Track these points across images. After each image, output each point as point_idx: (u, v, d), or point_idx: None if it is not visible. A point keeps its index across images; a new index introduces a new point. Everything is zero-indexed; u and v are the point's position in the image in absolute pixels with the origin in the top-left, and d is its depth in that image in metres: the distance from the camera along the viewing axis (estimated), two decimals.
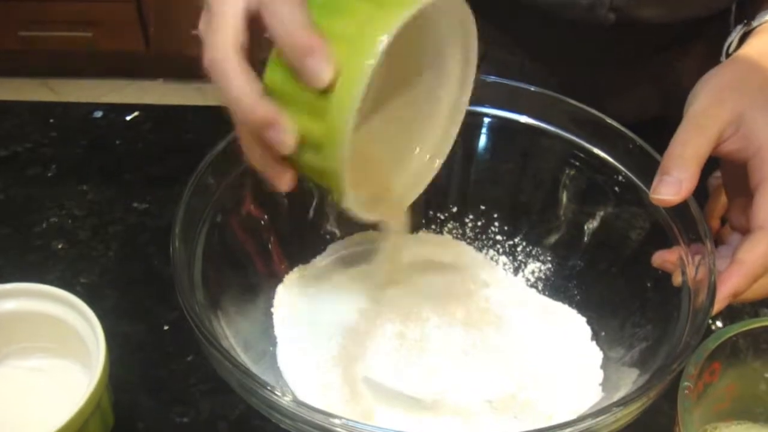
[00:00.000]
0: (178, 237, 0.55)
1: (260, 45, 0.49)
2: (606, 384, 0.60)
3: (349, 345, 0.60)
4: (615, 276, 0.66)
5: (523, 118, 0.69)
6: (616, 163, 0.65)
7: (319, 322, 0.62)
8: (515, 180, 0.72)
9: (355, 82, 0.45)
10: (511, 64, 0.87)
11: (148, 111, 0.92)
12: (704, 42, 0.87)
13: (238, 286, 0.63)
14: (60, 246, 0.75)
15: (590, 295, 0.67)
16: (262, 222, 0.66)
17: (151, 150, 0.87)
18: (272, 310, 0.65)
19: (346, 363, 0.59)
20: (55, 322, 0.60)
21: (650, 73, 0.89)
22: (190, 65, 0.48)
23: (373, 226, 0.71)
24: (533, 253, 0.71)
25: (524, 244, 0.72)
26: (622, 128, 0.65)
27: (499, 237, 0.72)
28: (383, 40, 0.45)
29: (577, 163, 0.68)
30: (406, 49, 0.53)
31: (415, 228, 0.73)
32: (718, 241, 0.62)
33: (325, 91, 0.45)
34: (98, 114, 0.92)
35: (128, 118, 0.91)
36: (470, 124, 0.70)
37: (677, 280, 0.58)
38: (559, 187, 0.70)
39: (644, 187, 0.63)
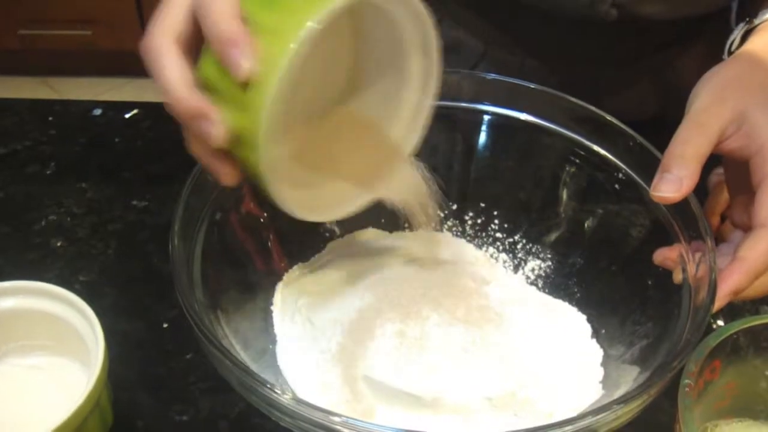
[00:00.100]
0: (177, 235, 0.55)
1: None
2: (606, 382, 0.60)
3: (348, 343, 0.60)
4: (615, 273, 0.66)
5: (523, 116, 0.69)
6: (617, 161, 0.65)
7: (318, 321, 0.62)
8: (515, 177, 0.72)
9: (273, 75, 0.44)
10: (511, 64, 0.87)
11: (147, 109, 0.92)
12: (705, 41, 0.87)
13: (237, 285, 0.63)
14: (59, 244, 0.75)
15: (590, 293, 0.67)
16: (262, 220, 0.66)
17: (150, 148, 0.87)
18: (272, 308, 0.65)
19: (346, 361, 0.59)
20: (54, 320, 0.59)
21: (650, 71, 0.89)
22: None
23: (373, 224, 0.71)
24: (533, 250, 0.71)
25: (524, 241, 0.72)
26: (623, 125, 0.65)
27: (499, 234, 0.72)
28: (307, 27, 0.44)
29: (578, 161, 0.67)
30: (364, 48, 0.52)
31: (414, 225, 0.73)
32: (718, 238, 0.62)
33: (247, 84, 0.45)
34: (97, 112, 0.91)
35: (127, 115, 0.91)
36: (470, 122, 0.70)
37: (678, 277, 0.58)
38: (560, 184, 0.70)
39: (645, 185, 0.62)
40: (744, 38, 0.66)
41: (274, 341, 0.62)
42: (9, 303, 0.60)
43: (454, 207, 0.73)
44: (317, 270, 0.67)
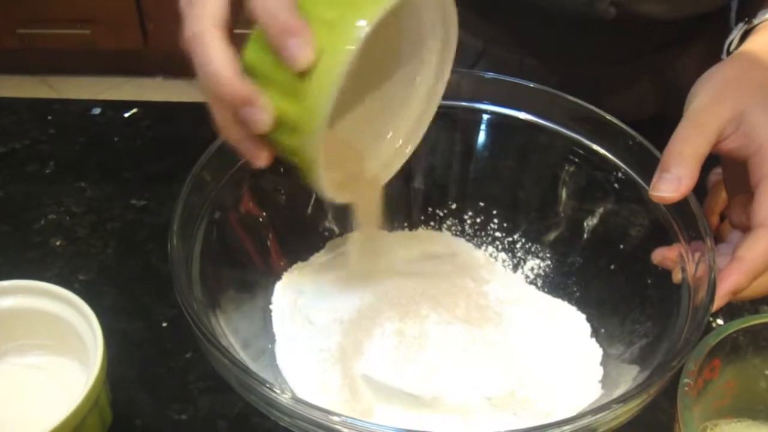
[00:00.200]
0: (176, 234, 0.55)
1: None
2: (605, 381, 0.60)
3: (348, 342, 0.60)
4: (615, 273, 0.66)
5: (522, 115, 0.69)
6: (616, 160, 0.65)
7: (317, 320, 0.62)
8: (514, 177, 0.72)
9: (334, 67, 0.45)
10: (510, 63, 0.87)
11: (147, 108, 0.92)
12: (704, 41, 0.87)
13: (236, 284, 0.63)
14: (58, 243, 0.75)
15: (590, 292, 0.67)
16: (261, 219, 0.66)
17: (150, 147, 0.87)
18: (271, 307, 0.64)
19: (345, 360, 0.59)
20: (53, 320, 0.59)
21: (650, 71, 0.89)
22: (189, 62, 0.48)
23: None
24: (532, 249, 0.71)
25: (523, 240, 0.72)
26: (622, 125, 0.65)
27: (498, 234, 0.72)
28: (364, 27, 0.45)
29: (577, 160, 0.67)
30: (386, 34, 0.53)
31: (413, 225, 0.73)
32: (717, 237, 0.62)
33: (304, 74, 0.45)
34: (96, 111, 0.91)
35: (126, 115, 0.91)
36: (469, 121, 0.70)
37: (677, 277, 0.58)
38: (559, 183, 0.70)
39: (644, 184, 0.62)
40: (743, 38, 0.66)
41: (273, 340, 0.62)
42: (8, 302, 0.60)
43: (454, 206, 0.73)
44: (316, 269, 0.67)
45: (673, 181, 0.54)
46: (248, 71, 0.48)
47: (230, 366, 0.49)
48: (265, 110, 0.47)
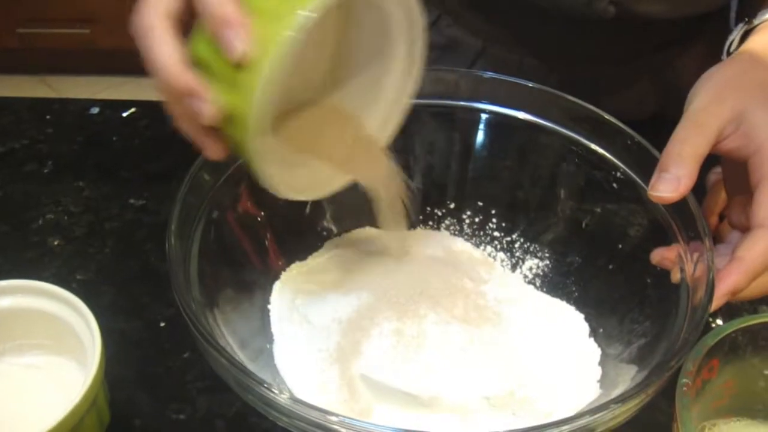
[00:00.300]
0: (174, 234, 0.55)
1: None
2: (604, 381, 0.60)
3: (346, 342, 0.60)
4: (613, 273, 0.66)
5: (521, 114, 0.69)
6: (615, 160, 0.65)
7: (316, 320, 0.62)
8: (513, 176, 0.72)
9: (270, 58, 0.45)
10: (510, 62, 0.87)
11: (145, 107, 0.92)
12: (704, 41, 0.87)
13: (234, 283, 0.63)
14: (56, 243, 0.75)
15: (588, 292, 0.67)
16: (259, 218, 0.66)
17: (148, 146, 0.87)
18: (269, 307, 0.64)
19: (343, 360, 0.59)
20: (51, 319, 0.59)
21: (650, 71, 0.89)
22: (137, 54, 0.49)
23: (371, 223, 0.71)
24: (531, 249, 0.71)
25: (522, 240, 0.71)
26: (621, 124, 0.65)
27: (496, 233, 0.72)
28: (303, 15, 0.44)
29: (576, 160, 0.67)
30: (346, 29, 0.53)
31: (412, 224, 0.73)
32: (716, 237, 0.62)
33: (242, 66, 0.45)
34: (95, 110, 0.91)
35: (125, 114, 0.91)
36: (468, 120, 0.70)
37: (676, 277, 0.58)
38: (557, 183, 0.70)
39: (643, 184, 0.62)
40: (743, 38, 0.66)
41: (271, 340, 0.62)
42: (6, 302, 0.60)
43: (452, 206, 0.73)
44: (314, 269, 0.67)
45: (671, 181, 0.54)
46: (194, 63, 0.48)
47: (228, 366, 0.49)
48: (208, 102, 0.47)
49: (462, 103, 0.69)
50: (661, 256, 0.60)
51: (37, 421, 0.51)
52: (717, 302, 0.53)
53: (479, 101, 0.69)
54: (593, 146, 0.66)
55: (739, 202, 0.59)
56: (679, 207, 0.58)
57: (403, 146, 0.70)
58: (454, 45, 0.88)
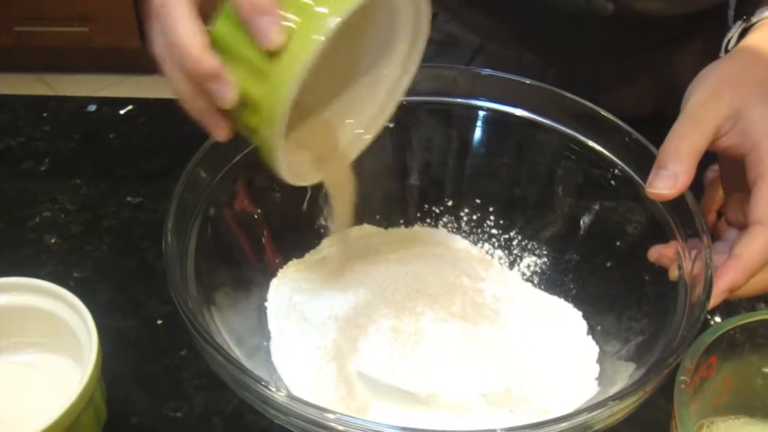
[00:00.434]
0: (171, 231, 0.55)
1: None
2: (602, 378, 0.60)
3: (343, 339, 0.60)
4: (611, 270, 0.66)
5: (519, 111, 0.69)
6: (613, 157, 0.65)
7: (313, 317, 0.62)
8: (511, 173, 0.72)
9: (303, 53, 0.45)
10: (508, 59, 0.87)
11: (142, 105, 0.91)
12: (703, 38, 0.87)
13: (231, 281, 0.62)
14: (53, 240, 0.75)
15: (586, 289, 0.67)
16: (256, 216, 0.66)
17: (145, 144, 0.87)
18: (266, 304, 0.64)
19: (341, 358, 0.59)
20: (48, 317, 0.59)
21: (649, 68, 0.89)
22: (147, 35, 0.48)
23: (368, 221, 0.71)
24: (529, 247, 0.71)
25: (520, 238, 0.71)
26: (619, 121, 0.65)
27: (494, 231, 0.72)
28: (336, 20, 0.45)
29: (573, 157, 0.67)
30: (359, 23, 0.53)
31: (409, 222, 0.73)
32: (714, 234, 0.62)
33: (272, 55, 0.45)
34: (92, 108, 0.91)
35: (122, 111, 0.91)
36: (465, 117, 0.70)
37: (674, 274, 0.58)
38: (555, 180, 0.70)
39: (640, 181, 0.62)
40: (741, 36, 0.66)
41: (268, 338, 0.62)
42: (2, 300, 0.60)
43: (450, 203, 0.73)
44: (312, 266, 0.67)
45: (669, 178, 0.54)
46: (215, 45, 0.47)
47: (225, 363, 0.49)
48: (231, 86, 0.47)
49: (460, 100, 0.69)
50: (658, 253, 0.60)
51: (33, 419, 0.51)
52: (715, 299, 0.53)
53: (477, 98, 0.69)
54: (591, 143, 0.66)
55: (736, 200, 0.59)
56: (676, 204, 0.58)
57: (400, 143, 0.70)
58: (452, 41, 0.88)
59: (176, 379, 0.64)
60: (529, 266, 0.70)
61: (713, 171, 0.66)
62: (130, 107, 0.91)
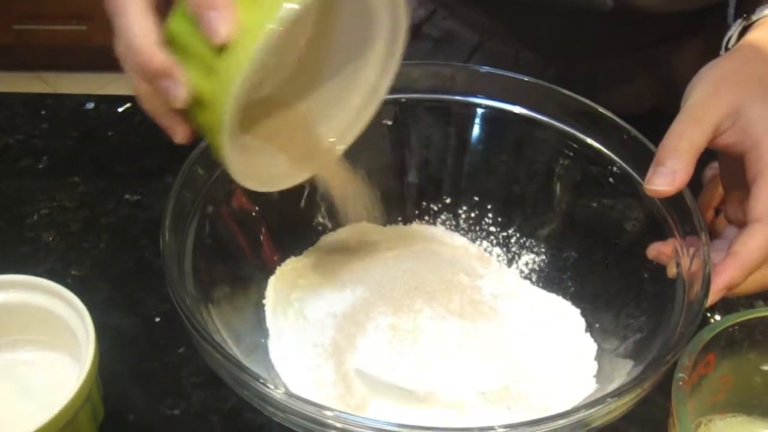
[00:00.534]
0: (168, 229, 0.55)
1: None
2: (600, 375, 0.60)
3: (341, 337, 0.60)
4: (609, 267, 0.65)
5: (517, 109, 0.68)
6: (611, 154, 0.65)
7: (311, 315, 0.62)
8: (509, 171, 0.72)
9: (251, 46, 0.44)
10: (506, 56, 0.87)
11: None
12: (702, 36, 0.87)
13: (229, 278, 0.62)
14: (51, 238, 0.75)
15: (584, 287, 0.67)
16: (253, 213, 0.66)
17: (143, 142, 0.86)
18: (264, 302, 0.64)
19: (339, 355, 0.59)
20: (46, 315, 0.59)
21: (648, 66, 0.89)
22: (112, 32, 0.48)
23: (366, 219, 0.71)
24: (527, 244, 0.71)
25: (518, 235, 0.71)
26: (617, 119, 0.65)
27: (492, 228, 0.72)
28: (289, 7, 0.44)
29: (571, 154, 0.67)
30: (328, 23, 0.52)
31: (408, 219, 0.73)
32: (713, 232, 0.62)
33: (222, 50, 0.44)
34: (90, 105, 0.91)
35: (120, 109, 0.91)
36: (464, 115, 0.70)
37: (672, 271, 0.58)
38: (553, 178, 0.70)
39: (639, 178, 0.62)
40: (741, 34, 0.66)
41: (266, 335, 0.62)
42: (0, 297, 0.60)
43: (448, 201, 0.73)
44: (310, 264, 0.67)
45: (668, 175, 0.54)
46: (170, 42, 0.47)
47: (223, 361, 0.49)
48: (182, 84, 0.46)
49: (458, 97, 0.69)
50: (657, 250, 0.60)
51: (31, 416, 0.51)
52: (713, 297, 0.53)
53: (475, 95, 0.69)
54: (589, 141, 0.66)
55: (735, 197, 0.59)
56: (675, 201, 0.58)
57: (398, 140, 0.70)
58: (450, 38, 0.88)
59: (174, 377, 0.64)
60: (527, 263, 0.70)
61: (712, 168, 0.66)
62: (128, 105, 0.91)
